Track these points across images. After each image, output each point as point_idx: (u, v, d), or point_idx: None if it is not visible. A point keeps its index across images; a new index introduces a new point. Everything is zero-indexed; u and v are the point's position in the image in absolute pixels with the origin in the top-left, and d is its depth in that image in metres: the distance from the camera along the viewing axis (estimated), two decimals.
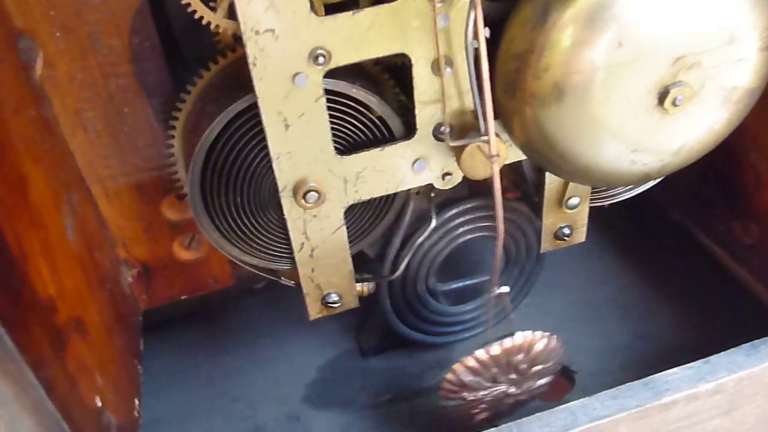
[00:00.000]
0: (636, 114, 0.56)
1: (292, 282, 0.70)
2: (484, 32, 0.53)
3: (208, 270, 0.83)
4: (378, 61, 0.64)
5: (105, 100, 0.67)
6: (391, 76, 0.65)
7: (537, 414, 0.69)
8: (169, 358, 0.92)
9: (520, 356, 0.74)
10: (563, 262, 1.02)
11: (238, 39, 0.62)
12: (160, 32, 0.67)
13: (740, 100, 0.58)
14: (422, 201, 0.76)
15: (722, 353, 0.71)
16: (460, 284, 0.89)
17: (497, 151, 0.59)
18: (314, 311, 0.71)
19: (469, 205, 0.80)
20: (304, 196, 0.62)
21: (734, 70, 0.56)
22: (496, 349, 0.72)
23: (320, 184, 0.62)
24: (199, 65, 0.64)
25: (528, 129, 0.59)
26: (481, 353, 0.73)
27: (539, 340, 0.74)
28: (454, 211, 0.79)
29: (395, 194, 0.70)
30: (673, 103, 0.55)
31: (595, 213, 0.78)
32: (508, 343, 0.72)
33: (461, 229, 0.82)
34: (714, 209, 0.86)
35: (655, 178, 0.63)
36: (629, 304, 0.98)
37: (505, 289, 0.70)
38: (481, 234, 0.84)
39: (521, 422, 0.68)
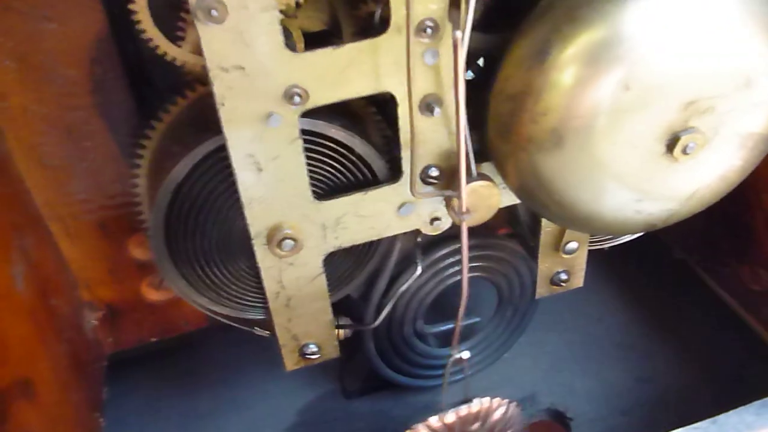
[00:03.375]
0: (642, 162, 0.51)
1: (267, 332, 0.65)
2: (464, 77, 0.48)
3: (180, 311, 0.77)
4: None
5: (63, 133, 0.62)
6: (376, 109, 0.60)
7: None
8: (138, 399, 0.86)
9: (476, 425, 0.70)
10: (559, 297, 0.96)
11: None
12: (128, 61, 0.62)
13: (756, 146, 0.53)
14: (410, 240, 0.71)
15: (731, 412, 0.66)
16: (450, 326, 0.84)
17: (467, 209, 0.54)
18: (291, 363, 0.66)
19: (458, 246, 0.75)
20: (278, 244, 0.56)
21: (750, 114, 0.51)
22: (450, 417, 0.68)
23: (296, 231, 0.57)
24: (171, 97, 0.58)
25: (523, 175, 0.54)
26: (434, 421, 0.68)
27: (497, 408, 0.69)
28: (443, 252, 0.74)
29: (379, 239, 0.64)
30: (684, 151, 0.50)
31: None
32: (464, 410, 0.68)
33: (451, 270, 0.77)
34: (720, 252, 0.81)
35: (660, 227, 0.58)
36: (627, 344, 0.93)
37: (466, 354, 0.66)
38: (473, 274, 0.78)
39: None
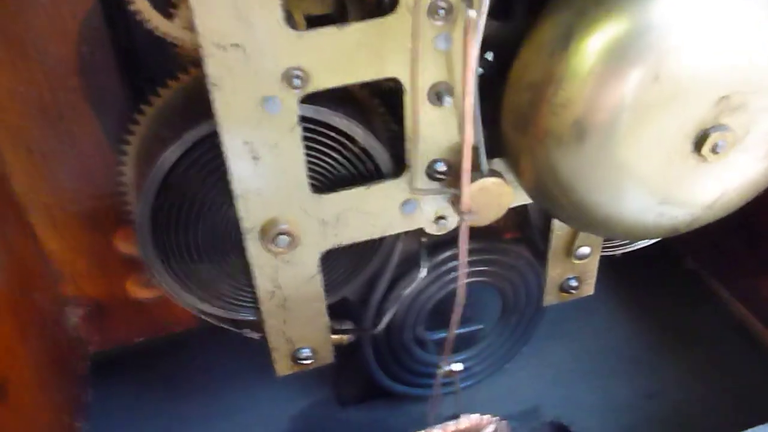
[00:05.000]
0: (668, 161, 0.48)
1: (259, 335, 0.61)
2: (476, 62, 0.45)
3: (169, 311, 0.73)
4: (366, 84, 0.55)
5: (53, 118, 0.58)
6: (381, 101, 0.57)
7: None
8: (122, 404, 0.82)
9: None
10: (564, 307, 0.93)
11: None
12: (119, 43, 0.58)
13: None
14: (412, 242, 0.68)
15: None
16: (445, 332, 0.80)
17: (469, 208, 0.50)
18: (283, 368, 0.62)
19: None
20: (273, 240, 0.53)
21: None
22: None
23: (293, 227, 0.53)
24: (162, 80, 0.55)
25: (539, 171, 0.50)
26: None
27: (486, 426, 0.65)
28: (446, 254, 0.70)
29: (381, 238, 0.61)
30: (713, 150, 0.47)
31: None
32: (451, 426, 0.64)
33: (454, 274, 0.73)
34: (737, 262, 0.77)
35: (682, 232, 0.54)
36: (635, 357, 0.89)
37: (458, 366, 0.62)
38: (476, 279, 0.75)
39: None
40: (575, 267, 0.66)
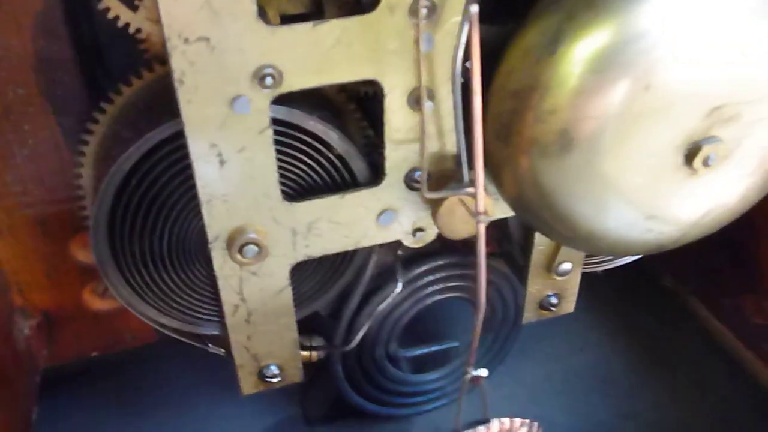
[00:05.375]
0: (658, 173, 0.46)
1: (222, 351, 0.57)
2: (479, 56, 0.42)
3: (126, 323, 0.69)
4: (343, 88, 0.52)
5: (0, 115, 0.54)
6: (357, 106, 0.54)
7: None
8: (73, 422, 0.77)
9: None
10: (537, 325, 0.90)
11: None
12: (79, 37, 0.55)
13: None
14: (387, 254, 0.65)
15: None
16: (425, 351, 0.77)
17: (485, 209, 0.48)
18: (248, 386, 0.59)
19: (439, 263, 0.69)
20: (240, 250, 0.49)
21: None
22: None
23: (262, 236, 0.50)
24: (125, 77, 0.51)
25: (522, 183, 0.47)
26: None
27: (519, 429, 0.62)
28: (422, 269, 0.68)
29: (355, 250, 0.58)
30: (704, 163, 0.45)
31: None
32: (481, 431, 0.61)
33: (429, 289, 0.70)
34: (719, 280, 0.76)
35: (669, 249, 0.52)
36: (612, 377, 0.87)
37: (484, 372, 0.59)
38: (450, 294, 0.72)
39: None
40: (556, 284, 0.63)
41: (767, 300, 0.69)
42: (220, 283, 0.51)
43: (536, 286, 0.63)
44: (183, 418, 0.81)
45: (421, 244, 0.55)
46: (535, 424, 0.63)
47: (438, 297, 0.71)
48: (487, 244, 0.71)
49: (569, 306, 0.66)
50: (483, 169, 0.47)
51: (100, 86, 0.56)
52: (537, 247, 0.60)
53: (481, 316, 0.53)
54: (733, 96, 0.43)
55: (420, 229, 0.54)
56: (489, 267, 0.69)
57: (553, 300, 0.64)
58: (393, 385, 0.78)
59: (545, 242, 0.60)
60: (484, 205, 0.48)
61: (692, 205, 0.48)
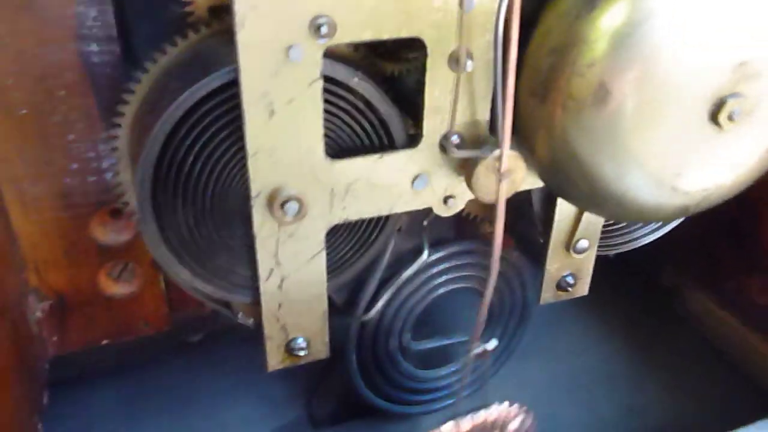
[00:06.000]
0: (686, 128, 0.48)
1: (251, 320, 0.57)
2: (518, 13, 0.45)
3: (140, 308, 0.68)
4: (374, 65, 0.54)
5: (35, 78, 0.54)
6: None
7: None
8: (76, 422, 0.74)
9: None
10: (540, 325, 0.92)
11: (214, 12, 0.51)
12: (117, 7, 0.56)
13: None
14: (404, 241, 0.66)
15: None
16: (437, 344, 0.78)
17: (508, 168, 0.50)
18: (275, 360, 0.58)
19: (456, 249, 0.70)
20: (282, 207, 0.50)
21: None
22: (467, 423, 0.61)
23: (302, 195, 0.50)
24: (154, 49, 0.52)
25: (555, 142, 0.50)
26: (449, 427, 0.61)
27: (514, 418, 0.62)
28: (440, 255, 0.69)
29: (383, 224, 0.59)
30: (729, 118, 0.48)
31: None
32: (480, 417, 0.61)
33: (444, 278, 0.71)
34: (721, 266, 0.78)
35: (690, 214, 0.54)
36: (615, 374, 0.88)
37: (492, 344, 0.59)
38: (465, 285, 0.73)
39: None
40: (573, 262, 0.65)
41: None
42: (258, 244, 0.51)
43: (555, 265, 0.65)
44: (186, 419, 0.79)
45: (451, 213, 0.57)
46: (531, 414, 0.63)
47: (452, 287, 0.72)
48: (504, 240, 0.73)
49: (584, 287, 0.68)
50: (510, 127, 0.48)
51: (134, 57, 0.57)
52: (558, 222, 0.62)
53: (492, 282, 0.54)
54: (759, 51, 0.46)
55: (451, 197, 0.56)
56: (501, 258, 0.71)
57: (570, 280, 0.66)
58: (404, 379, 0.77)
59: (566, 216, 0.62)
60: (508, 165, 0.50)
61: (717, 164, 0.51)
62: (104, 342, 0.68)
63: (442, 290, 0.72)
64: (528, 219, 0.64)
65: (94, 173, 0.59)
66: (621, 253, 0.70)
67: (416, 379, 0.78)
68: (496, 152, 0.50)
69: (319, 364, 0.63)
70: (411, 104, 0.52)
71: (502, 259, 0.71)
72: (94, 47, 0.55)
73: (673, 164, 0.50)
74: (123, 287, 0.66)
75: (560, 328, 0.93)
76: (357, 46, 0.51)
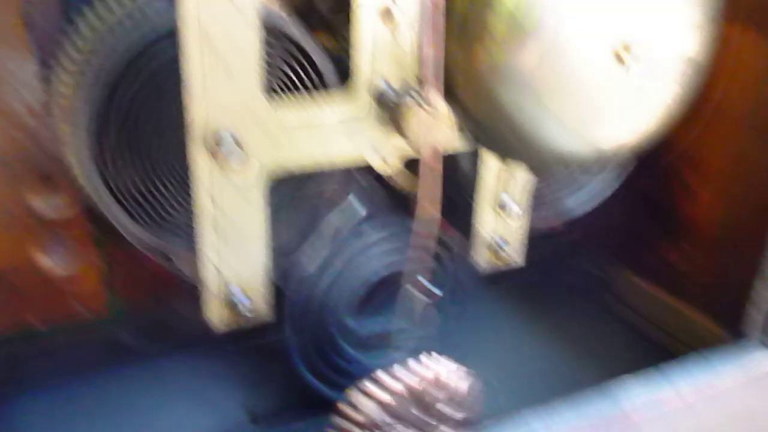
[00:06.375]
0: (598, 67, 0.53)
1: (188, 269, 0.57)
2: None
3: (78, 289, 0.66)
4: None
5: None
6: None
7: None
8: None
9: (441, 394, 0.58)
10: (469, 333, 0.91)
11: None
12: None
13: (691, 72, 0.56)
14: (340, 218, 0.68)
15: None
16: (378, 325, 0.78)
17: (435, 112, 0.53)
18: (217, 315, 0.58)
19: (396, 229, 0.71)
20: (220, 149, 0.51)
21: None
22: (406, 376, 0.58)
23: (242, 136, 0.52)
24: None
25: (478, 87, 0.54)
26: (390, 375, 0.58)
27: (464, 379, 0.59)
28: (379, 234, 0.70)
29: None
30: (634, 59, 0.53)
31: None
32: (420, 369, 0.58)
33: (386, 259, 0.72)
34: (644, 242, 0.82)
35: (608, 158, 0.59)
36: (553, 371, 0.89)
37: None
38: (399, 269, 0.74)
39: None
40: (504, 226, 0.68)
41: (685, 241, 0.76)
42: (196, 185, 0.52)
43: (484, 227, 0.67)
44: (111, 424, 0.75)
45: (386, 166, 0.59)
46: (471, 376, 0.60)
47: (393, 269, 0.73)
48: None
49: (517, 255, 0.70)
50: (433, 68, 0.52)
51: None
52: (484, 179, 0.65)
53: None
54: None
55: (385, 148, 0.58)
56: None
57: (501, 244, 0.68)
58: (346, 363, 0.77)
59: (491, 175, 0.65)
60: (436, 110, 0.53)
61: (627, 106, 0.56)
62: (37, 326, 0.66)
63: (384, 272, 0.73)
64: (455, 183, 0.67)
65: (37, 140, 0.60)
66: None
67: (356, 362, 0.78)
68: (425, 95, 0.54)
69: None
70: (343, 50, 0.55)
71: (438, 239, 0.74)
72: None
73: (587, 102, 0.54)
74: (59, 265, 0.65)
75: (494, 335, 0.93)
76: None
